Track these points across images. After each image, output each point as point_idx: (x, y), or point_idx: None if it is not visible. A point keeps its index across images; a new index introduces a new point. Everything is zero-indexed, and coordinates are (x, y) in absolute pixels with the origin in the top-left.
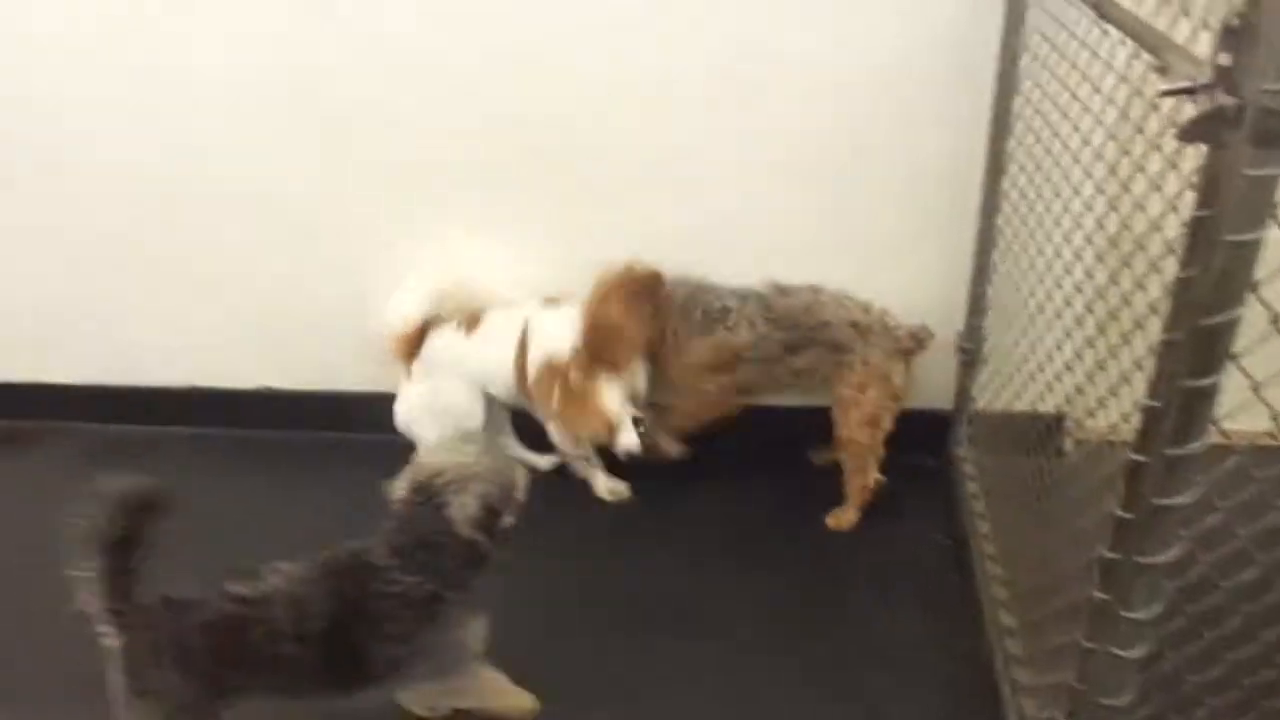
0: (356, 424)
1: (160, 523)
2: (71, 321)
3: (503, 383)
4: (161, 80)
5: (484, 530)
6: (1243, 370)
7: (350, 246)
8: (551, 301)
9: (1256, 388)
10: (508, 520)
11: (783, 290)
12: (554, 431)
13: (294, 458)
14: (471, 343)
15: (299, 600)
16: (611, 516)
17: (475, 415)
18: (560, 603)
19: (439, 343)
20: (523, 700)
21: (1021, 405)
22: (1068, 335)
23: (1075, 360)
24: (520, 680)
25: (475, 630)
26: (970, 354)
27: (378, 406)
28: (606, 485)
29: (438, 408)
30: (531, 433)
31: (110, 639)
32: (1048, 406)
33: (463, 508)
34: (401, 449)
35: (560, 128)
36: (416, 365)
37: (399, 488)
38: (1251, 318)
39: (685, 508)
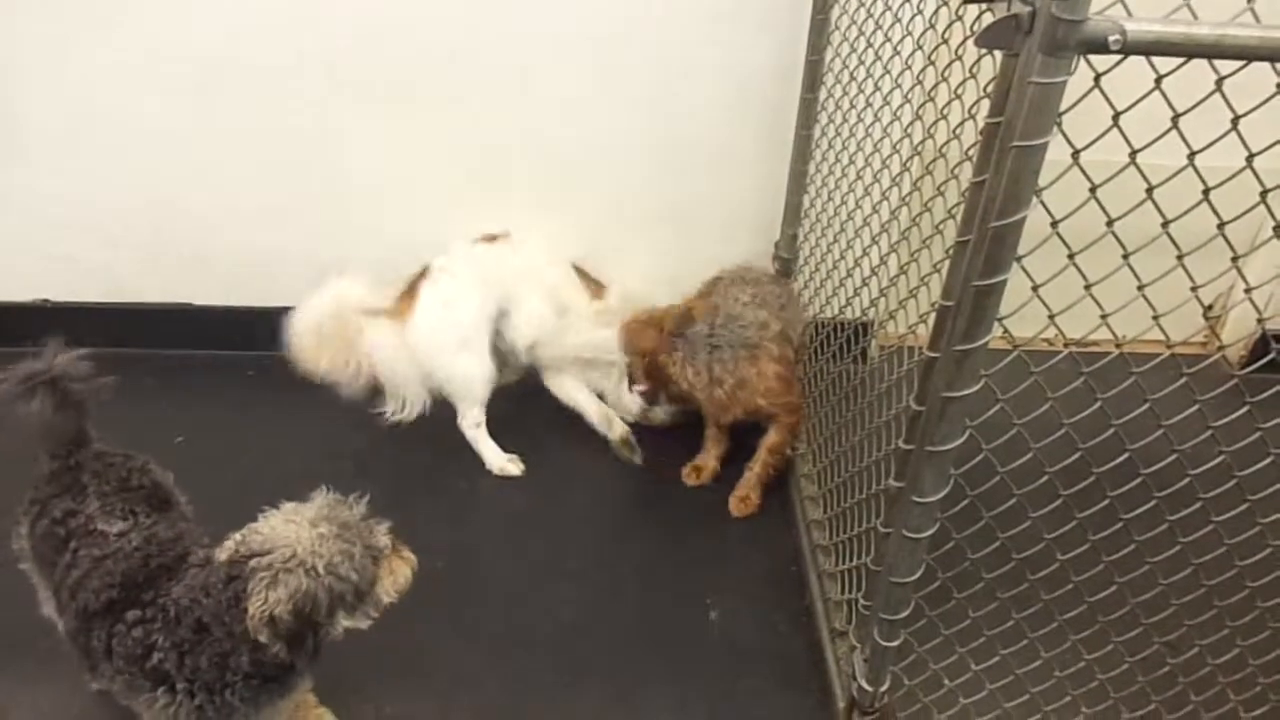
0: None
1: None
2: None
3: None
4: None
5: (286, 637)
6: (1025, 270)
7: None
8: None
9: (1036, 287)
10: (332, 630)
11: None
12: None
13: None
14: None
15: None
16: None
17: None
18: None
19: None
20: None
21: (830, 312)
22: (874, 241)
23: (880, 266)
24: None
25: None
26: (787, 263)
27: None
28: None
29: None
30: None
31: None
32: (853, 313)
33: (263, 603)
34: None
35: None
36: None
37: (223, 549)
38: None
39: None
